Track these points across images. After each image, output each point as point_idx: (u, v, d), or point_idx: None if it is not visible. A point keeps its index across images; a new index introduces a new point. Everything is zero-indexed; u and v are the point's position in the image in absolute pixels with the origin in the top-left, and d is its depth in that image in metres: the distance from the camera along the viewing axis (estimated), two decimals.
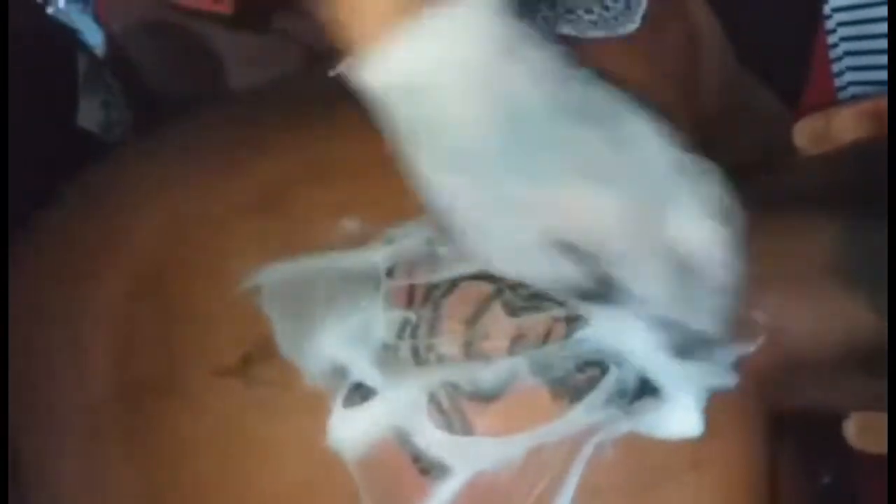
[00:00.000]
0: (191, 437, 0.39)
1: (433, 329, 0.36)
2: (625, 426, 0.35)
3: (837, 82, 0.60)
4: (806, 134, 0.41)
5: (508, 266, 0.36)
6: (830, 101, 0.59)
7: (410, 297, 0.37)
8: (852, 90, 0.59)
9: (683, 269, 0.35)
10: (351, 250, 0.38)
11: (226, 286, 0.39)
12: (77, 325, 0.43)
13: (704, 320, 0.35)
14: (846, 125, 0.40)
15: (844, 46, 0.59)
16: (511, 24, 0.34)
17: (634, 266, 0.34)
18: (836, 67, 0.60)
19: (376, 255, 0.38)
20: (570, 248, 0.34)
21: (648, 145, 0.35)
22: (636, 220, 0.34)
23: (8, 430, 0.43)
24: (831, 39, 0.60)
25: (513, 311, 0.36)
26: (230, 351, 0.38)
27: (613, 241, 0.34)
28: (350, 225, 0.38)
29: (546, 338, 0.36)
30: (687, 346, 0.36)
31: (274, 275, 0.38)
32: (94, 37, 0.60)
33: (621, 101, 0.36)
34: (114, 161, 0.49)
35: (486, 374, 0.36)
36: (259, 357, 0.37)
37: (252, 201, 0.41)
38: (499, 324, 0.36)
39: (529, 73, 0.34)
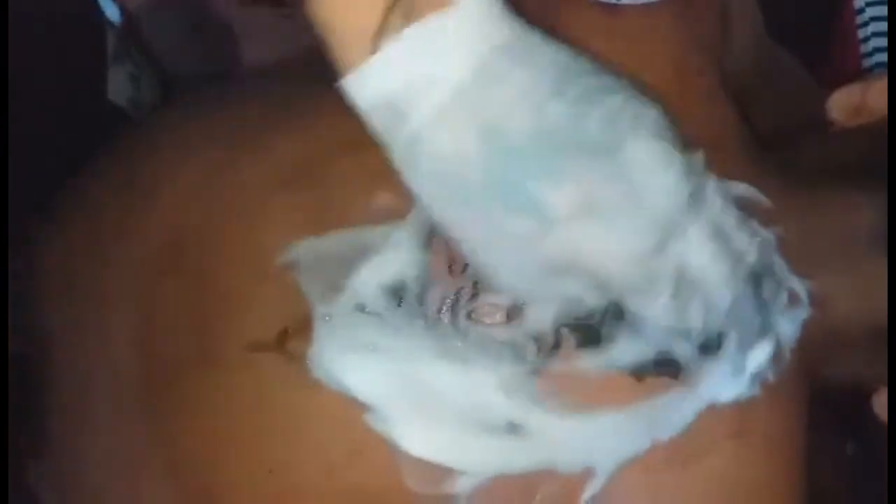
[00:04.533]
0: (224, 414, 0.39)
1: (474, 298, 0.37)
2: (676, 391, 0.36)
3: (863, 48, 0.59)
4: (841, 107, 0.40)
5: (520, 290, 0.35)
6: (856, 67, 0.59)
7: (450, 268, 0.37)
8: (878, 57, 0.59)
9: (689, 291, 0.34)
10: (385, 223, 0.38)
11: (258, 261, 0.39)
12: (105, 301, 0.43)
13: (712, 326, 0.35)
14: (882, 98, 0.40)
15: (871, 12, 0.59)
16: (504, 29, 0.33)
17: (638, 293, 0.34)
18: (861, 34, 0.59)
19: (411, 228, 0.38)
20: (576, 273, 0.34)
21: (650, 174, 0.33)
22: (634, 252, 0.33)
23: (8, 429, 0.43)
24: (857, 4, 0.59)
25: None
26: (264, 327, 0.38)
27: (613, 273, 0.33)
28: (384, 198, 0.38)
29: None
30: (706, 346, 0.36)
31: (308, 249, 0.38)
32: (112, 13, 0.59)
33: (622, 114, 0.33)
34: (139, 136, 0.49)
35: (530, 344, 0.36)
36: (295, 332, 0.37)
37: (283, 175, 0.41)
38: None
39: (514, 95, 0.32)
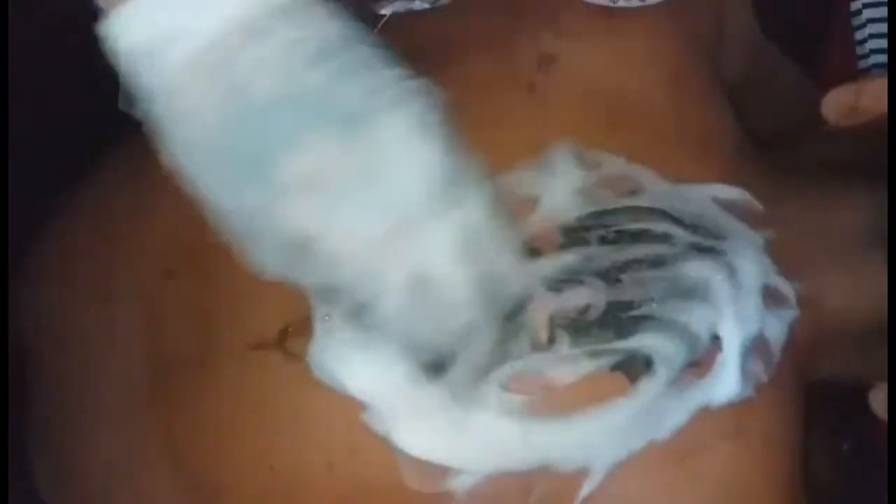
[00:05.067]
0: (228, 411, 0.40)
1: None
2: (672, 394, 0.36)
3: (860, 50, 0.59)
4: (835, 107, 0.41)
5: (266, 266, 0.33)
6: (852, 68, 0.59)
7: None
8: (875, 58, 0.59)
9: (427, 291, 0.32)
10: None
11: None
12: (111, 300, 0.44)
13: (448, 339, 0.34)
14: (876, 98, 0.40)
15: (868, 14, 0.59)
16: None
17: (370, 284, 0.32)
18: (859, 35, 0.59)
19: None
20: (313, 254, 0.32)
21: (392, 155, 0.31)
22: (364, 234, 0.31)
23: (8, 429, 0.43)
24: (854, 6, 0.60)
25: (554, 287, 0.37)
26: (266, 325, 0.39)
27: (344, 256, 0.32)
28: None
29: (586, 312, 0.37)
30: (435, 365, 0.35)
31: None
32: None
33: (381, 93, 0.31)
34: (145, 135, 0.49)
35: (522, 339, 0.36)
36: (296, 331, 0.38)
37: None
38: (541, 298, 0.37)
39: (269, 57, 0.30)
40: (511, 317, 0.35)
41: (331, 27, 0.31)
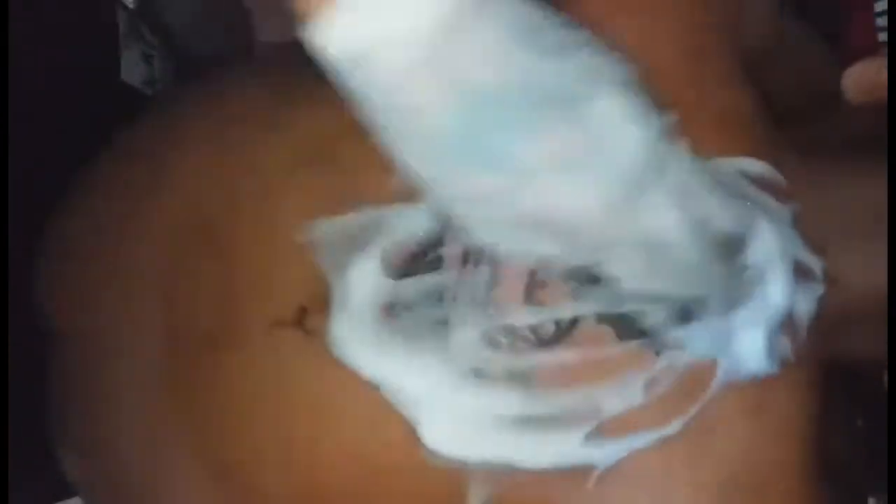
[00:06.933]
0: (248, 389, 0.40)
1: (493, 280, 0.37)
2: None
3: (879, 22, 0.59)
4: (855, 84, 0.40)
5: (499, 246, 0.35)
6: (873, 42, 0.58)
7: (465, 257, 0.37)
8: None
9: (656, 252, 0.34)
10: (404, 204, 0.38)
11: (277, 239, 0.40)
12: (129, 280, 0.44)
13: (688, 289, 0.36)
14: None
15: None
16: None
17: (610, 251, 0.34)
18: (878, 7, 0.59)
19: (427, 211, 0.38)
20: (550, 230, 0.34)
21: (618, 128, 0.33)
22: (601, 206, 0.33)
23: (8, 430, 0.43)
24: None
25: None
26: (285, 303, 0.39)
27: (585, 229, 0.34)
28: (402, 178, 0.38)
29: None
30: (682, 313, 0.36)
31: (327, 228, 0.39)
32: None
33: (589, 69, 0.33)
34: (157, 116, 0.49)
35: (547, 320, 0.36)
36: (315, 309, 0.38)
37: (299, 155, 0.41)
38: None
39: (481, 48, 0.31)
40: (736, 249, 0.36)
41: (523, 9, 0.32)
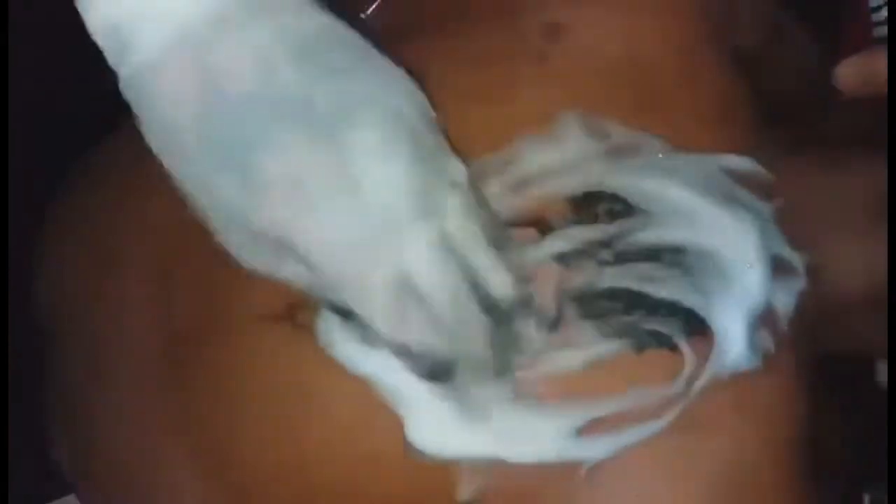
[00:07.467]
0: (240, 382, 0.40)
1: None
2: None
3: (875, 17, 0.59)
4: (847, 77, 0.40)
5: (245, 258, 0.34)
6: (867, 37, 0.58)
7: None
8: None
9: (409, 301, 0.32)
10: None
11: None
12: (124, 271, 0.44)
13: (443, 347, 0.33)
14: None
15: None
16: None
17: (357, 291, 0.32)
18: (873, 2, 0.59)
19: None
20: (291, 254, 0.32)
21: (378, 164, 0.31)
22: (344, 241, 0.31)
23: (8, 430, 0.43)
24: None
25: (562, 260, 0.37)
26: (276, 298, 0.39)
27: (324, 261, 0.31)
28: None
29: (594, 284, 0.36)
30: (434, 372, 0.34)
31: None
32: None
33: (359, 99, 0.31)
34: None
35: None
36: (305, 303, 0.38)
37: None
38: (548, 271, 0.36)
39: (248, 51, 0.30)
40: (506, 317, 0.34)
41: (313, 22, 0.31)
